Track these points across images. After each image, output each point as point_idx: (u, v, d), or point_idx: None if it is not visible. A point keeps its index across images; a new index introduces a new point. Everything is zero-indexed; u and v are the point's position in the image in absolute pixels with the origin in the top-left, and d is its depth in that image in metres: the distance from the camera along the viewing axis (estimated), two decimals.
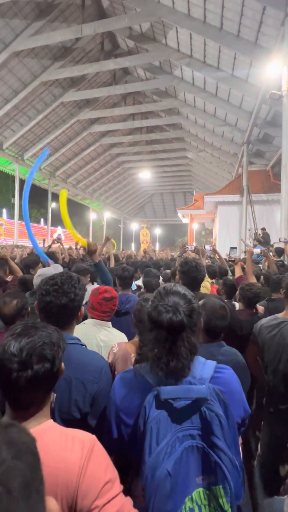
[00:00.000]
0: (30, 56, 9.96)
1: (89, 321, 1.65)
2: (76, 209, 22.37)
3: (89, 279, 2.95)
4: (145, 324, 1.33)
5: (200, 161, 17.45)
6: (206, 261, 5.06)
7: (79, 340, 1.14)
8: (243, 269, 3.24)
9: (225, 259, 3.06)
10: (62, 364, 0.75)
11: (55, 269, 2.06)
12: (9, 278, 3.12)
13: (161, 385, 0.77)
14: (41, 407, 0.71)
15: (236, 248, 3.10)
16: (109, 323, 1.67)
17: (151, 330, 0.82)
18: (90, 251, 2.03)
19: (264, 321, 1.80)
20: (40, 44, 9.10)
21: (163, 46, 9.54)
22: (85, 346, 1.18)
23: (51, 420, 0.73)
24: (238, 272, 3.06)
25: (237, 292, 2.38)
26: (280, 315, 1.79)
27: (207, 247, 4.20)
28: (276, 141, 10.16)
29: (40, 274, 1.83)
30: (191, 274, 1.91)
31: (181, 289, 0.85)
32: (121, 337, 1.66)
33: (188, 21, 7.54)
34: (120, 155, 18.37)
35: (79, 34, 8.53)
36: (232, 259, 3.04)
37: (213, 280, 3.44)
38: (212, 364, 0.86)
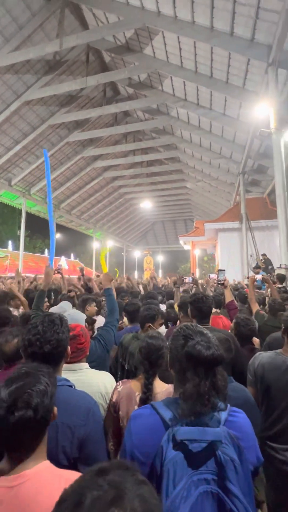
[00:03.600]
0: (39, 104, 10.98)
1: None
2: (80, 239, 22.88)
3: (95, 308, 2.94)
4: (156, 362, 1.36)
5: (199, 191, 18.15)
6: (211, 289, 5.07)
7: (67, 380, 1.13)
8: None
9: (219, 282, 2.97)
10: (55, 409, 0.79)
11: (67, 305, 2.13)
12: (21, 309, 3.15)
13: (177, 424, 0.78)
14: (33, 449, 0.74)
15: (224, 270, 3.03)
16: (81, 364, 1.48)
17: (186, 369, 0.82)
18: (107, 278, 2.29)
19: (264, 359, 1.64)
20: (48, 94, 10.08)
21: (159, 92, 10.50)
22: (73, 386, 1.16)
23: (47, 461, 0.76)
24: (228, 296, 2.90)
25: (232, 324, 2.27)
26: (281, 351, 1.66)
27: (212, 276, 4.19)
28: (270, 171, 10.67)
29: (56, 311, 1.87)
30: (199, 306, 1.95)
31: (201, 328, 0.91)
32: (101, 378, 1.51)
33: (181, 72, 8.41)
34: (122, 187, 19.23)
35: (84, 85, 9.47)
36: (221, 282, 2.93)
37: (218, 310, 3.42)
38: (227, 406, 0.86)
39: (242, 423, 0.87)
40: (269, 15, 5.60)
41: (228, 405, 0.87)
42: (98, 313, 3.13)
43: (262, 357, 1.66)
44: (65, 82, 9.99)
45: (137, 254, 27.75)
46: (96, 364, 1.71)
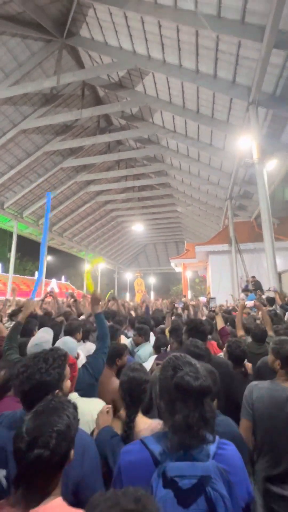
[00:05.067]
0: (35, 133, 11.45)
1: None
2: (71, 261, 22.75)
3: (80, 336, 2.87)
4: (138, 397, 1.29)
5: (189, 214, 18.73)
6: (203, 313, 5.06)
7: None
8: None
9: (211, 310, 3.01)
10: (72, 452, 0.78)
11: (47, 332, 2.04)
12: None
13: (167, 459, 0.76)
14: (46, 489, 0.74)
15: (215, 298, 3.10)
16: (72, 394, 1.45)
17: (176, 400, 0.81)
18: (95, 300, 2.12)
19: (263, 391, 1.55)
20: (44, 124, 10.57)
21: (150, 124, 11.19)
22: None
23: (60, 498, 0.75)
24: (220, 323, 2.95)
25: (224, 348, 2.28)
26: (283, 383, 1.57)
27: (203, 299, 4.24)
28: (255, 196, 11.20)
29: (37, 343, 1.79)
30: (198, 329, 1.97)
31: (189, 358, 0.91)
32: (93, 406, 1.45)
33: (170, 107, 9.06)
34: (114, 210, 19.65)
35: (79, 117, 10.02)
36: (212, 309, 2.97)
37: (210, 336, 3.40)
38: (215, 439, 0.85)
39: (231, 456, 0.85)
40: (248, 62, 6.25)
41: (217, 437, 0.85)
42: (86, 338, 3.05)
43: (260, 388, 1.57)
44: (61, 114, 10.55)
45: (129, 276, 27.66)
46: (83, 393, 1.63)
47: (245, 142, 6.61)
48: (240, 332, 2.79)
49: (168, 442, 0.79)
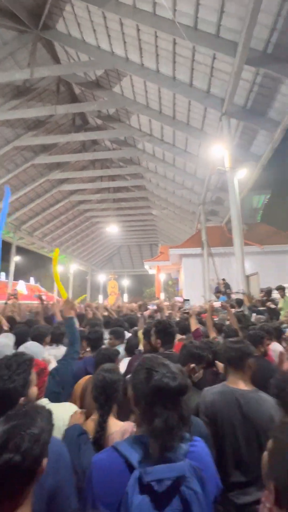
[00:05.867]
0: (5, 126, 10.83)
1: None
2: (41, 262, 21.81)
3: (48, 339, 2.76)
4: (111, 396, 1.28)
5: (164, 217, 19.02)
6: (178, 313, 5.14)
7: None
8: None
9: (185, 311, 3.06)
10: (45, 461, 0.71)
11: (7, 337, 1.93)
12: None
13: (143, 463, 0.73)
14: (15, 501, 0.67)
15: (189, 300, 3.16)
16: (43, 401, 1.40)
17: (154, 404, 0.79)
18: (67, 305, 2.05)
19: (215, 395, 1.49)
20: (15, 117, 10.05)
21: (127, 126, 11.20)
22: None
23: None
24: (193, 325, 3.00)
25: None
26: (232, 385, 1.52)
27: (178, 299, 4.32)
28: (227, 203, 11.75)
29: None
30: (164, 332, 1.98)
31: (161, 358, 0.89)
32: (65, 410, 1.39)
33: (147, 111, 9.16)
34: (88, 210, 19.27)
35: (53, 113, 9.69)
36: (186, 311, 3.04)
37: (184, 336, 3.45)
38: (191, 437, 0.84)
39: (202, 453, 0.86)
40: (222, 74, 6.55)
41: (188, 435, 0.84)
42: (59, 341, 2.93)
43: (212, 393, 1.52)
44: (34, 108, 10.11)
45: (102, 278, 27.24)
46: (47, 402, 1.54)
47: (218, 151, 6.91)
48: (212, 334, 2.87)
49: (149, 447, 0.76)
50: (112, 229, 19.42)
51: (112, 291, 22.13)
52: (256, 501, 1.23)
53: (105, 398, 1.30)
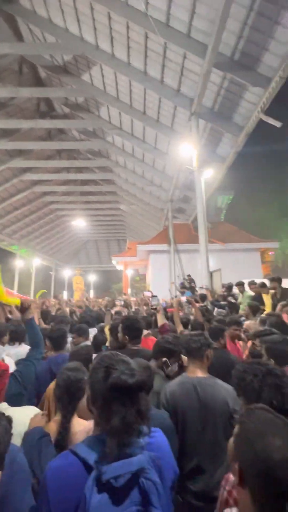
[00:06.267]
0: None
1: None
2: (1, 256, 20.30)
3: (7, 338, 2.59)
4: (74, 394, 1.24)
5: (132, 213, 18.99)
6: (145, 308, 5.18)
7: None
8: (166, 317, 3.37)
9: (152, 307, 3.10)
10: None
11: None
12: None
13: (102, 463, 0.72)
14: None
15: (157, 296, 3.23)
16: (2, 405, 1.32)
17: (111, 402, 0.78)
18: (23, 308, 1.94)
19: (174, 387, 1.54)
20: None
21: (96, 117, 10.85)
22: None
23: None
24: (160, 320, 3.05)
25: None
26: (191, 375, 1.59)
27: (147, 293, 4.35)
28: (193, 201, 12.14)
29: None
30: (132, 328, 2.01)
31: (121, 355, 0.89)
32: (25, 414, 1.33)
33: (117, 103, 8.98)
34: (53, 203, 18.38)
35: (15, 95, 8.97)
36: (154, 307, 3.11)
37: (149, 331, 3.50)
38: (150, 430, 0.84)
39: (160, 442, 0.89)
40: (191, 75, 6.68)
41: (151, 428, 0.86)
42: (21, 340, 2.76)
43: (171, 385, 1.58)
44: None
45: (67, 273, 26.33)
46: (9, 404, 1.44)
47: (187, 150, 7.07)
48: (180, 328, 2.96)
49: (106, 446, 0.75)
50: (79, 223, 18.82)
51: (77, 287, 21.54)
52: (211, 488, 1.34)
53: (69, 398, 1.26)
